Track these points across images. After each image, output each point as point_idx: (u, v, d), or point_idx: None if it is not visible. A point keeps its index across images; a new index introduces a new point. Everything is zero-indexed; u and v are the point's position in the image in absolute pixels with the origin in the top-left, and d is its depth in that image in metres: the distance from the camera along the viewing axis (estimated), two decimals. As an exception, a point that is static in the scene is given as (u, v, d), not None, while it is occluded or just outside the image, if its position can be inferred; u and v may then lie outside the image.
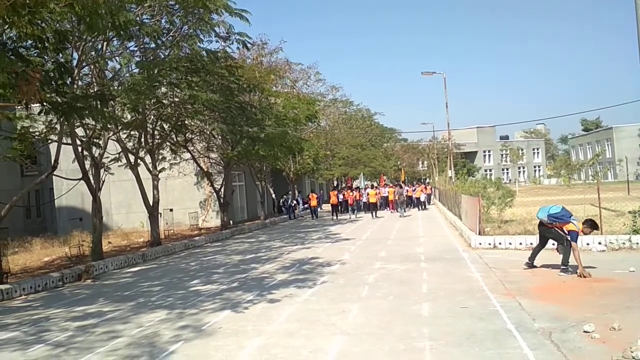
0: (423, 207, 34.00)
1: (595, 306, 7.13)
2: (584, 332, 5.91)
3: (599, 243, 12.06)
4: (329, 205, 32.56)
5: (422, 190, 35.48)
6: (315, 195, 32.34)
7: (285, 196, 34.90)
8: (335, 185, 48.42)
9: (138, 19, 13.12)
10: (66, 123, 12.19)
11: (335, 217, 30.28)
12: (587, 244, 12.12)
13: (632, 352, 5.00)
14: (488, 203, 17.47)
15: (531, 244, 12.83)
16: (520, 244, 13.05)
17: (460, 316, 7.08)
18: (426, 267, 11.30)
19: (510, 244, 13.23)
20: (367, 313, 7.57)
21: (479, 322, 6.70)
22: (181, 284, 11.18)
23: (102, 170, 16.38)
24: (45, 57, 10.91)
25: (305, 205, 35.47)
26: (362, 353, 5.80)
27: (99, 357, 6.25)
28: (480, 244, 13.64)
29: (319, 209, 33.12)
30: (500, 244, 13.36)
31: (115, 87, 13.42)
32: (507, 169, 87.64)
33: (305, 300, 8.73)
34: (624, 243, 11.96)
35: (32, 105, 11.69)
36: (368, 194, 30.57)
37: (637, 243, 11.89)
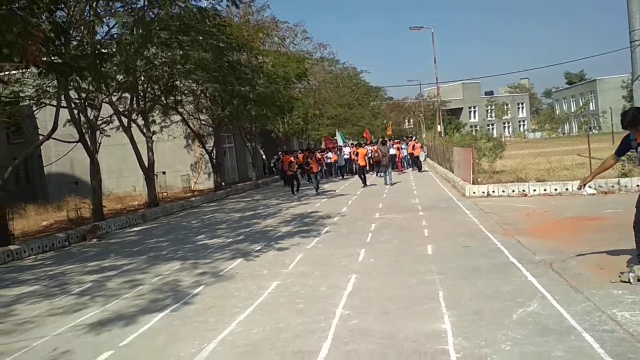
0: (420, 168, 27.45)
1: (590, 241, 7.58)
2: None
3: (590, 187, 12.41)
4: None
5: (420, 148, 29.21)
6: (289, 158, 21.65)
7: (276, 157, 34.98)
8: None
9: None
10: (64, 83, 12.15)
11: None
12: (579, 188, 12.57)
13: (622, 274, 5.46)
14: (479, 155, 17.83)
15: (523, 190, 13.31)
16: (513, 191, 13.48)
17: (463, 254, 7.49)
18: (424, 215, 11.69)
19: (503, 191, 13.66)
20: (375, 256, 7.93)
21: (482, 258, 7.11)
22: (187, 239, 11.47)
23: (97, 133, 16.39)
24: (41, 18, 10.78)
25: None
26: (377, 287, 6.16)
27: (127, 301, 6.55)
28: (474, 192, 14.05)
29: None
30: (493, 192, 13.78)
31: (111, 46, 13.34)
32: (493, 125, 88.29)
33: (312, 247, 9.09)
34: (612, 186, 12.44)
35: (27, 67, 11.67)
36: (357, 154, 23.76)
37: (625, 186, 12.38)
